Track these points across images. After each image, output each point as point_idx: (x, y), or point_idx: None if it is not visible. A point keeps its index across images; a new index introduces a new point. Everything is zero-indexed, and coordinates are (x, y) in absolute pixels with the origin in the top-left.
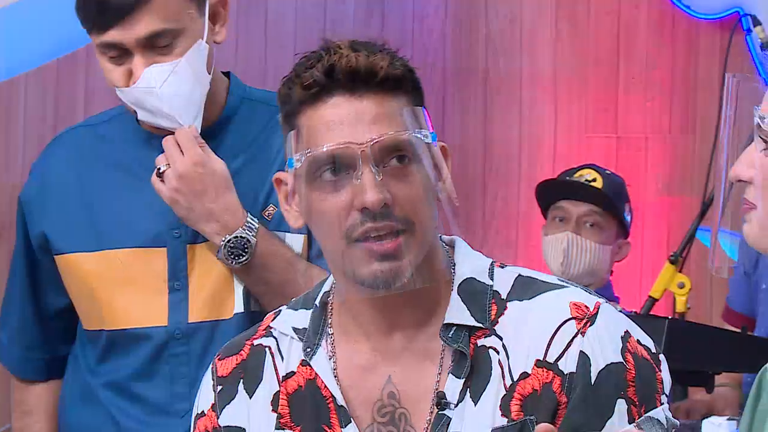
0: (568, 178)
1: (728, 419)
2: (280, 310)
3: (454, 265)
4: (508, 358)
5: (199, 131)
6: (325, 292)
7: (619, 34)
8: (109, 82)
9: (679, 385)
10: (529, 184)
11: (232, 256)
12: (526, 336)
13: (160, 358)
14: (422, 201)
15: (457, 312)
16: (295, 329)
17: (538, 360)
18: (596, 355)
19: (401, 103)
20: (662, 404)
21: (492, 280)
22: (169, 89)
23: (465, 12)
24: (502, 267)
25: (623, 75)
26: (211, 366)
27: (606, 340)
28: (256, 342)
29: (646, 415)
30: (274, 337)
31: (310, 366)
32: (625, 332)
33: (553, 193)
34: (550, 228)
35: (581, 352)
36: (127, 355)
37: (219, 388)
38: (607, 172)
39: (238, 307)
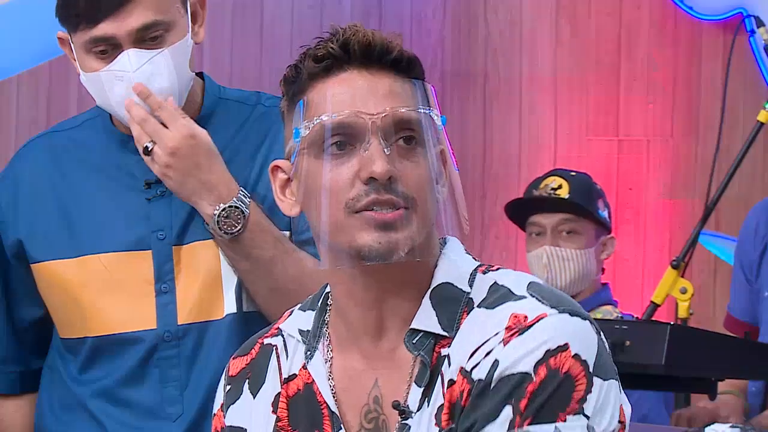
0: (534, 191)
1: (731, 427)
2: (293, 310)
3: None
4: (449, 366)
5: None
6: (327, 293)
7: (621, 36)
8: (87, 69)
9: (681, 392)
10: None
11: (225, 227)
12: (464, 344)
13: (150, 362)
14: (426, 182)
15: (425, 318)
16: (300, 331)
17: (462, 368)
18: (506, 363)
19: (412, 85)
20: (564, 422)
21: (471, 287)
22: (142, 77)
23: (464, 14)
24: (486, 272)
25: (624, 77)
26: (228, 364)
27: (525, 351)
28: (266, 341)
29: (526, 428)
30: (283, 338)
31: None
32: (558, 346)
33: (522, 210)
34: (529, 244)
35: (495, 359)
36: (115, 360)
37: (228, 387)
38: (572, 173)
39: (230, 307)
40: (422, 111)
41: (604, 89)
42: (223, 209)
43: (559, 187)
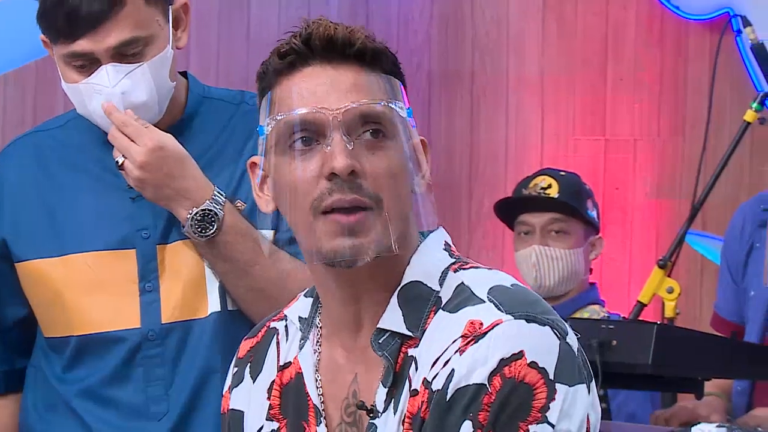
0: (524, 190)
1: (717, 426)
2: (300, 295)
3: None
4: (416, 371)
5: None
6: None
7: (607, 36)
8: (67, 80)
9: (668, 391)
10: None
11: (199, 230)
12: (428, 352)
13: (134, 361)
14: (394, 177)
15: (392, 317)
16: (300, 318)
17: (424, 379)
18: (461, 373)
19: (378, 77)
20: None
21: (440, 286)
22: (120, 91)
23: (451, 14)
24: (457, 271)
25: (611, 77)
26: (240, 345)
27: (479, 361)
28: (272, 324)
29: None
30: (285, 323)
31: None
32: (513, 354)
33: (511, 209)
34: (518, 243)
35: (451, 369)
36: (99, 359)
37: (235, 369)
38: (562, 173)
39: (214, 306)
40: (384, 104)
41: (590, 89)
42: (196, 212)
43: (549, 186)
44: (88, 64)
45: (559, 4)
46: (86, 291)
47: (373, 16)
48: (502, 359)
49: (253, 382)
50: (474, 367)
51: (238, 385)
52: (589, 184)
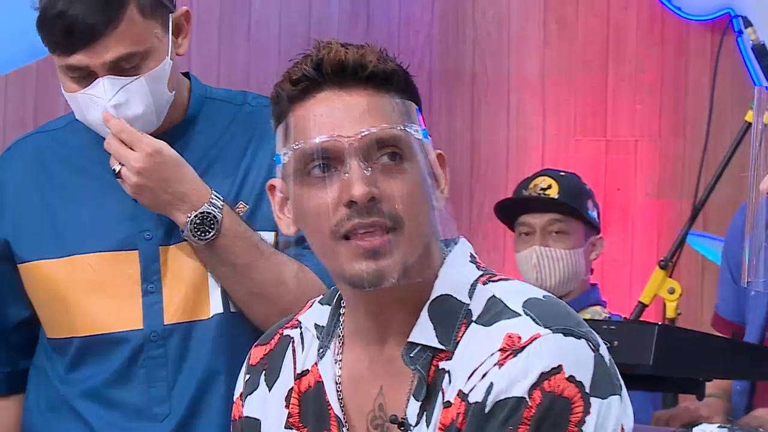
0: (524, 190)
1: (719, 426)
2: (314, 302)
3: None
4: (449, 384)
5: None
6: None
7: (608, 36)
8: (66, 88)
9: (669, 392)
10: None
11: (199, 233)
12: (463, 365)
13: (137, 362)
14: (413, 198)
15: (423, 331)
16: (316, 326)
17: (460, 390)
18: (501, 386)
19: (392, 98)
20: None
21: (470, 298)
22: (116, 103)
23: (452, 14)
24: (486, 283)
25: (612, 77)
26: (250, 351)
27: (519, 374)
28: (285, 332)
29: None
30: (300, 330)
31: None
32: (552, 368)
33: (512, 210)
34: (518, 244)
35: (490, 382)
36: (102, 360)
37: (247, 377)
38: (562, 173)
39: (217, 307)
40: (400, 128)
41: (591, 90)
42: (195, 216)
43: (549, 187)
44: (85, 75)
45: (560, 5)
46: (89, 292)
47: (375, 16)
48: (542, 373)
49: (269, 390)
50: (514, 381)
51: (252, 392)
52: (590, 184)
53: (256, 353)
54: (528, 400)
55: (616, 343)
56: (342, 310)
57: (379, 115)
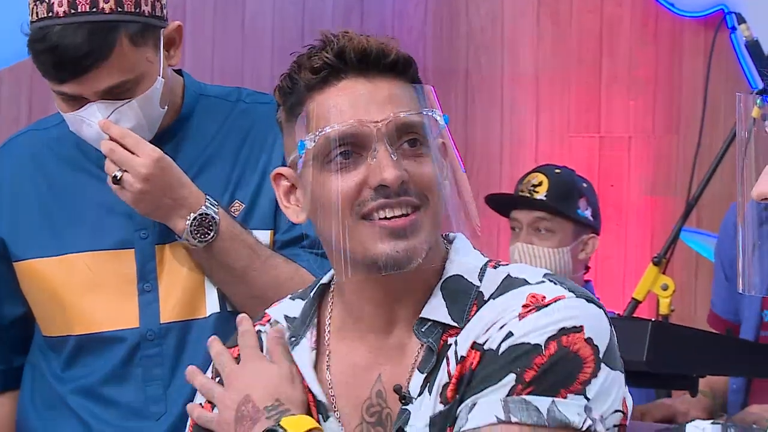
0: (519, 186)
1: (712, 423)
2: (283, 299)
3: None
4: (456, 345)
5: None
6: (323, 284)
7: (602, 33)
8: (59, 108)
9: (662, 388)
10: (511, 184)
11: (199, 235)
12: (477, 325)
13: (132, 361)
14: (436, 181)
15: (435, 308)
16: (286, 317)
17: (474, 342)
18: (519, 333)
19: (411, 85)
20: (564, 398)
21: (480, 281)
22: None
23: (445, 10)
24: (496, 267)
25: (606, 74)
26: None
27: (538, 325)
28: (257, 328)
29: (523, 396)
30: (270, 324)
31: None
32: (574, 326)
33: (502, 205)
34: (511, 239)
35: (509, 331)
36: (98, 359)
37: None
38: (556, 170)
39: (214, 307)
40: (425, 113)
41: (585, 86)
42: (195, 218)
43: (539, 184)
44: (77, 98)
45: (554, 2)
46: (85, 291)
47: (368, 13)
48: (563, 328)
49: None
50: (533, 330)
51: None
52: None
53: (232, 353)
54: (543, 348)
55: None
56: (330, 303)
57: (403, 99)
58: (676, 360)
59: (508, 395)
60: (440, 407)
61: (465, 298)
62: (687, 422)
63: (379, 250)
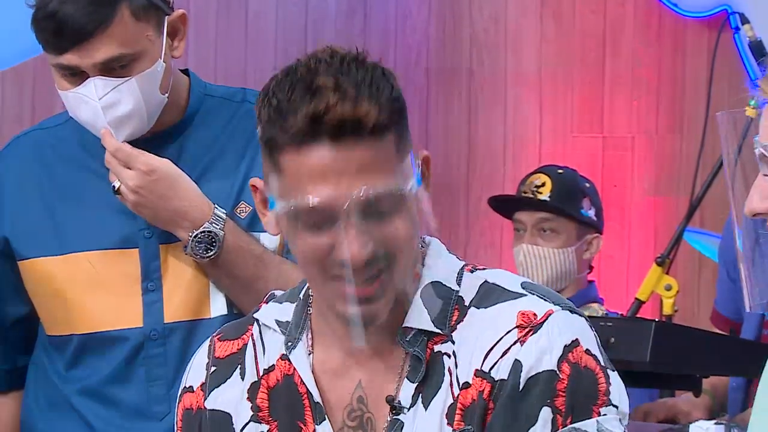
0: (521, 187)
1: (716, 423)
2: (268, 301)
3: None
4: (456, 367)
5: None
6: (308, 286)
7: (605, 33)
8: (58, 86)
9: (666, 388)
10: (514, 184)
11: (201, 251)
12: (474, 346)
13: (136, 361)
14: (405, 242)
15: (417, 316)
16: (278, 322)
17: (477, 370)
18: (530, 362)
19: (388, 146)
20: (602, 415)
21: (459, 285)
22: (106, 104)
23: (449, 10)
24: (473, 271)
25: (609, 74)
26: (208, 343)
27: (544, 349)
28: (246, 341)
29: (571, 425)
30: (259, 327)
31: (288, 360)
32: (572, 341)
33: (505, 207)
34: (514, 240)
35: (516, 360)
36: (101, 358)
37: (213, 368)
38: (559, 171)
39: (221, 309)
40: (395, 189)
41: (588, 86)
42: (196, 235)
43: (543, 184)
44: (76, 74)
45: (557, 2)
46: (88, 290)
47: (372, 13)
48: (565, 346)
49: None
50: (541, 355)
51: (219, 385)
52: None
53: (224, 347)
54: (558, 372)
55: (613, 339)
56: (310, 306)
57: (376, 170)
58: (679, 360)
59: (553, 429)
60: (448, 429)
61: (445, 304)
62: (690, 422)
63: (342, 310)
